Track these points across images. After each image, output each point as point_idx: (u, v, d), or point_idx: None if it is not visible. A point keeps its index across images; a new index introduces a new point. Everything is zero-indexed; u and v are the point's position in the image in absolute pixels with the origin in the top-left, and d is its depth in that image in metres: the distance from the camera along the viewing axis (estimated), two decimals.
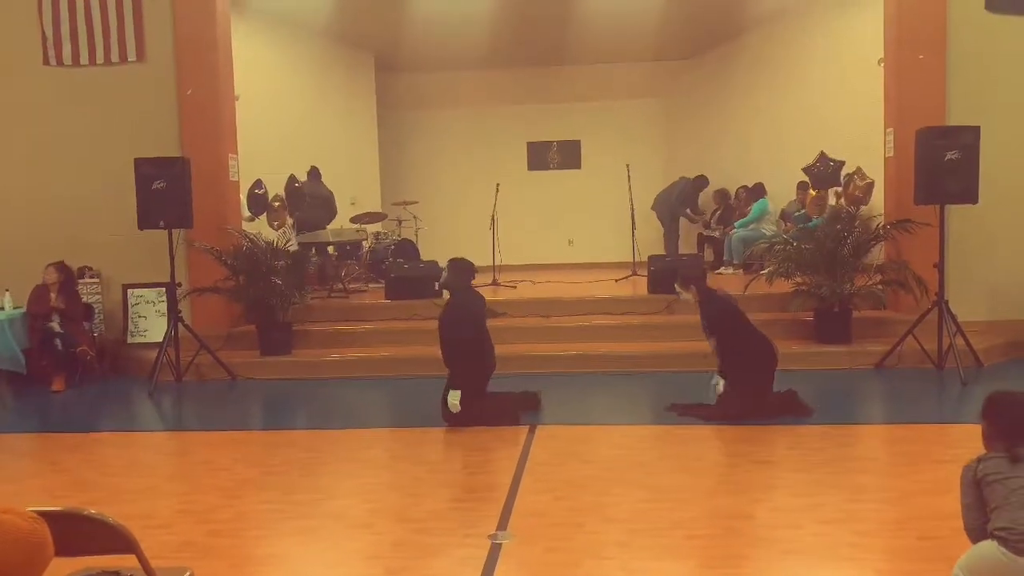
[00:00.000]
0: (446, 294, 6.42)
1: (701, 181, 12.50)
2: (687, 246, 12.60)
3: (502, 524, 3.99)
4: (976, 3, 7.60)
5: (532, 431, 5.65)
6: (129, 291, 8.55)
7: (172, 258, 7.60)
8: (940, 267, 7.07)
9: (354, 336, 8.28)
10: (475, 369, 5.86)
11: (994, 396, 2.81)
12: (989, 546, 2.60)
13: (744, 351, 5.79)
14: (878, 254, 8.22)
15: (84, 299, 8.18)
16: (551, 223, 13.95)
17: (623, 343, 7.89)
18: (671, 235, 12.51)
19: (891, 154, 8.12)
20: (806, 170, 10.77)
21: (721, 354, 5.88)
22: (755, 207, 11.16)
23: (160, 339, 7.74)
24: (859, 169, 10.06)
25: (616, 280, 10.21)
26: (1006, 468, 2.62)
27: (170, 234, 7.55)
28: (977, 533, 2.70)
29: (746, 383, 5.70)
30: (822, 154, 10.63)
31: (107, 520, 2.28)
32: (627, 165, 11.30)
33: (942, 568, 2.77)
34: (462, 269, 6.09)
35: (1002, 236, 7.86)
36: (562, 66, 13.73)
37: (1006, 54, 7.79)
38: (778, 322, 7.62)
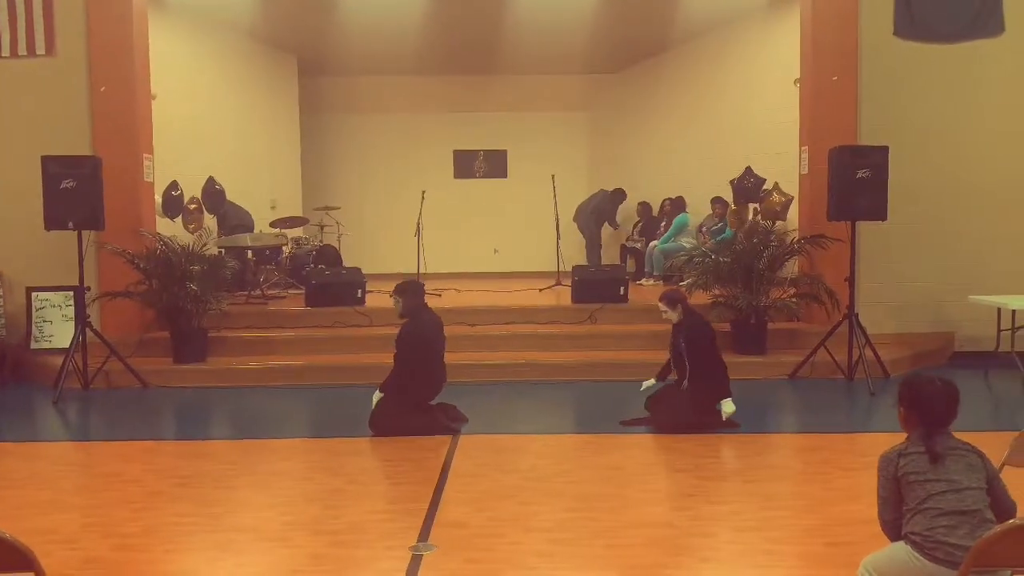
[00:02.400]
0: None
1: (619, 195, 12.68)
2: (611, 257, 12.77)
3: (423, 535, 3.95)
4: (885, 30, 7.95)
5: (454, 441, 5.62)
6: (33, 294, 8.17)
7: (81, 260, 7.29)
8: (851, 281, 7.33)
9: (272, 343, 8.10)
10: (421, 388, 5.87)
11: (909, 380, 2.82)
12: (901, 548, 2.65)
13: (706, 377, 5.86)
14: (792, 268, 8.48)
15: None
16: (476, 232, 13.95)
17: (547, 352, 7.93)
18: (592, 246, 12.65)
19: (806, 171, 8.40)
20: (733, 184, 11.03)
21: (687, 372, 5.91)
22: (675, 222, 11.36)
23: (66, 345, 7.41)
24: (776, 185, 10.38)
25: (540, 290, 10.26)
26: (926, 468, 2.63)
27: (80, 235, 7.25)
28: (892, 527, 2.72)
29: (698, 402, 5.79)
30: (748, 169, 10.90)
31: (2, 535, 2.16)
32: (552, 176, 11.39)
33: (852, 573, 2.84)
34: (414, 290, 6.08)
35: (909, 252, 8.21)
36: (490, 75, 13.77)
37: (913, 78, 8.16)
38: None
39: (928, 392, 2.74)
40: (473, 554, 3.74)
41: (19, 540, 2.18)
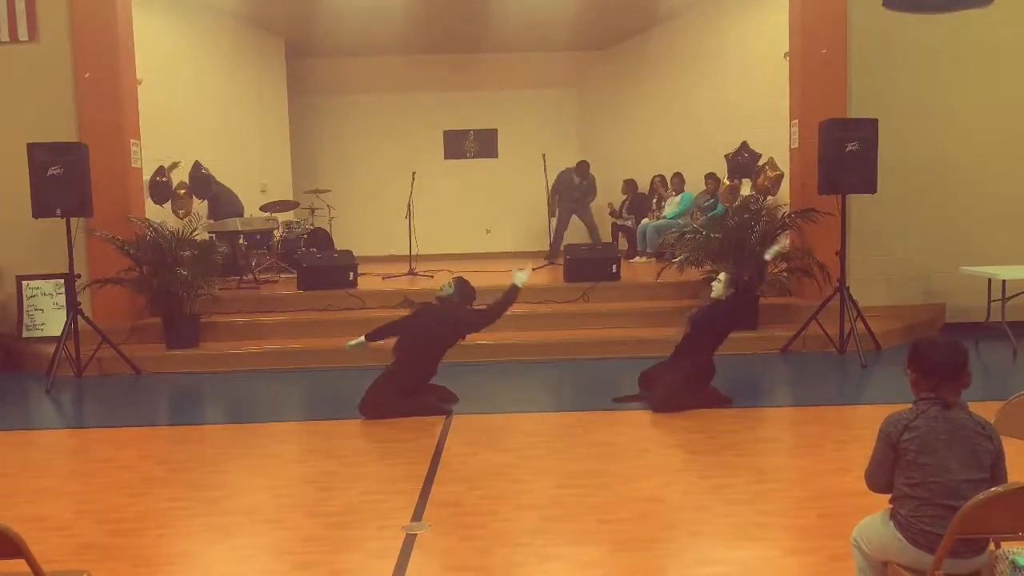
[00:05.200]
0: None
1: (583, 167, 12.00)
2: (602, 235, 12.69)
3: (417, 515, 3.97)
4: (875, 1, 7.89)
5: (447, 421, 5.64)
6: (24, 283, 8.14)
7: (71, 248, 7.26)
8: (842, 255, 7.33)
9: (265, 328, 8.09)
10: (417, 372, 5.89)
11: (917, 342, 2.72)
12: (888, 524, 2.65)
13: (702, 354, 5.90)
14: (784, 243, 8.48)
15: None
16: (468, 212, 13.91)
17: (539, 331, 7.94)
18: (559, 228, 12.00)
19: (796, 145, 8.38)
20: (728, 159, 10.97)
21: (691, 351, 5.93)
22: (684, 199, 11.24)
23: (58, 333, 7.38)
24: (771, 160, 10.34)
25: (534, 269, 10.22)
26: (927, 449, 2.55)
27: (68, 223, 7.21)
28: (879, 487, 2.70)
29: (690, 378, 5.82)
30: (744, 144, 10.84)
31: None
32: (543, 155, 11.34)
33: (843, 544, 2.86)
34: (467, 293, 6.23)
35: (898, 225, 8.22)
36: (478, 54, 13.68)
37: (902, 50, 8.12)
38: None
39: (937, 359, 2.63)
40: (466, 532, 3.75)
41: (8, 527, 2.18)
